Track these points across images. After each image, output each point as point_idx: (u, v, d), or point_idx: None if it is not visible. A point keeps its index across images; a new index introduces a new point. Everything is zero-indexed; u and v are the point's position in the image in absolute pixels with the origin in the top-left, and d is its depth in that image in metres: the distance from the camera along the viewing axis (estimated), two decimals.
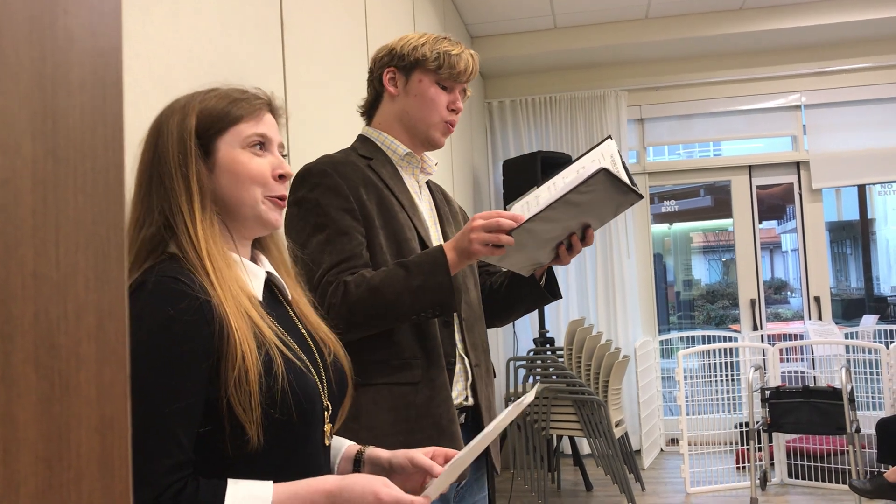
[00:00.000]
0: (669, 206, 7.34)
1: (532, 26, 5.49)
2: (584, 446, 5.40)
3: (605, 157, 1.72)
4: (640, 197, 1.65)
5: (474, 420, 1.81)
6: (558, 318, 5.79)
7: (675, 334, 6.31)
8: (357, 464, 1.31)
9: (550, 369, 4.70)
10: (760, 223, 6.09)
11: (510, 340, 5.77)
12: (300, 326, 1.25)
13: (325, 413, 1.19)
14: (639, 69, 5.93)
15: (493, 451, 1.86)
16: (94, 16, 0.48)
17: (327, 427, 1.20)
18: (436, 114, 1.81)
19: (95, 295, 0.47)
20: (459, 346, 1.79)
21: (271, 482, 1.05)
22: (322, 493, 1.07)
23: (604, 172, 1.52)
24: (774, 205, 7.20)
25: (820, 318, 5.81)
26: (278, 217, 1.23)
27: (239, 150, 1.18)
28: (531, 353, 5.13)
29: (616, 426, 4.66)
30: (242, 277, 1.15)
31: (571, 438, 5.04)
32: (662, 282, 7.50)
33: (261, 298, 1.17)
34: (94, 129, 0.47)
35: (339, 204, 1.67)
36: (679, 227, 7.89)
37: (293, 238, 1.71)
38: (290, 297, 1.28)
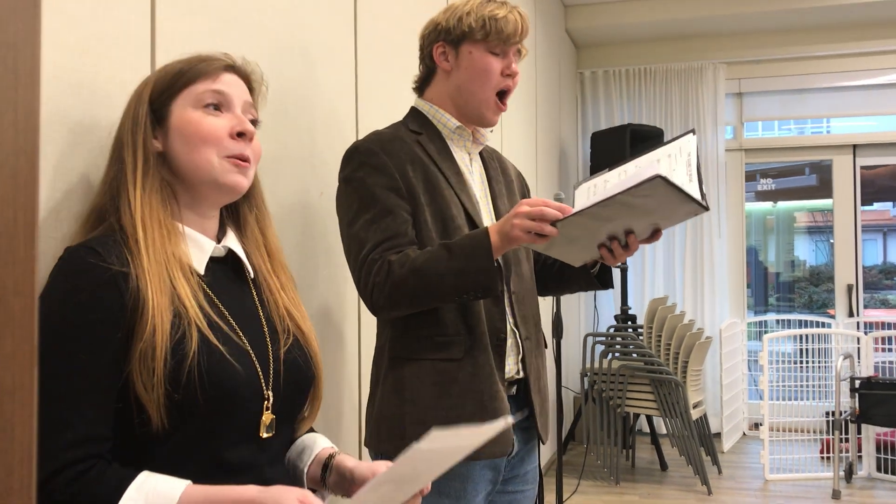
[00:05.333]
0: (766, 184, 7.04)
1: None
2: (662, 426, 5.33)
3: (683, 153, 1.61)
4: (705, 208, 1.54)
5: (525, 392, 1.83)
6: (643, 295, 5.68)
7: (771, 316, 6.10)
8: (326, 469, 1.25)
9: (630, 346, 4.64)
10: (871, 204, 5.80)
11: (591, 316, 5.72)
12: (258, 310, 1.20)
13: (265, 402, 1.12)
14: (739, 41, 5.68)
15: (541, 421, 1.86)
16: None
17: (266, 418, 1.12)
18: (488, 86, 1.78)
19: None
20: (510, 320, 1.79)
21: (188, 482, 1.00)
22: (239, 501, 0.99)
23: (659, 179, 1.42)
24: (886, 186, 6.82)
25: None
26: (240, 179, 1.16)
27: (191, 111, 1.13)
28: (611, 330, 5.07)
29: (694, 407, 4.57)
30: (182, 248, 1.11)
31: (649, 417, 4.98)
32: (763, 262, 7.23)
33: (202, 272, 1.13)
34: (2, 115, 0.50)
35: (385, 182, 1.68)
36: (783, 205, 7.56)
37: (340, 216, 1.76)
38: (254, 277, 1.23)
